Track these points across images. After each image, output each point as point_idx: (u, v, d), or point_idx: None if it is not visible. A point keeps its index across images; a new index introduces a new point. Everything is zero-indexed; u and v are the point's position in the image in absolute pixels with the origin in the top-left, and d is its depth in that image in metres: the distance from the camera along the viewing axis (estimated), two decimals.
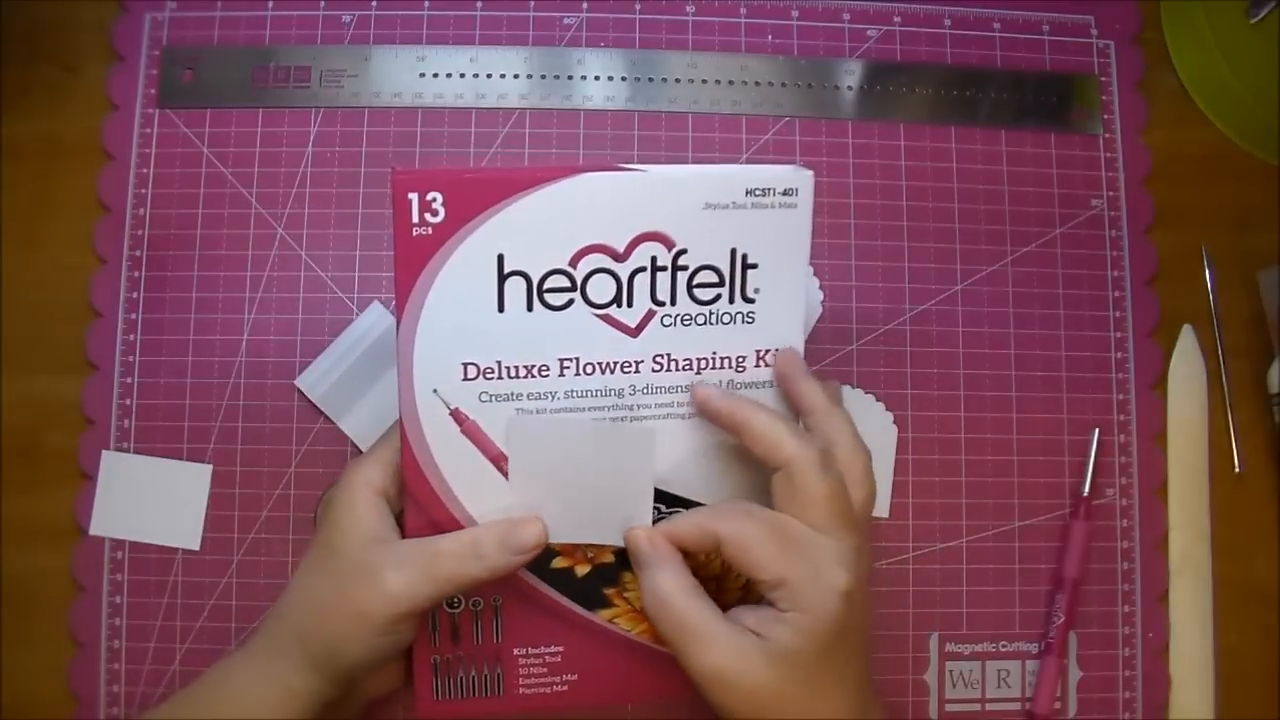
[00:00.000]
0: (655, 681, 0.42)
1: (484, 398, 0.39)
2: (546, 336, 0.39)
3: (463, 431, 0.39)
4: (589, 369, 0.39)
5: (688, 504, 0.40)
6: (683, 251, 0.39)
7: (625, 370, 0.39)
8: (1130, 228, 0.52)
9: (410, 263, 0.37)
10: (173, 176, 0.50)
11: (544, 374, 0.39)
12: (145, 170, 0.50)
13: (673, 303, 0.39)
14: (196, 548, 0.48)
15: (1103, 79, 0.53)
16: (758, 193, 0.39)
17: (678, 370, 0.40)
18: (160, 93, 0.50)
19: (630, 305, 0.39)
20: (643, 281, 0.39)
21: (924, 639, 0.49)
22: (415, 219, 0.37)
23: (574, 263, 0.38)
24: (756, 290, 0.39)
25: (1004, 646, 0.49)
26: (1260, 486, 0.51)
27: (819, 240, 0.50)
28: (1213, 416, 0.51)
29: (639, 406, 0.40)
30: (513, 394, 0.39)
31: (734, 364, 0.40)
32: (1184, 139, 0.53)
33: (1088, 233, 0.52)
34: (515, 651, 0.41)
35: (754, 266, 0.39)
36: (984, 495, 0.50)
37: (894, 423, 0.50)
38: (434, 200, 0.37)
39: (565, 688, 0.41)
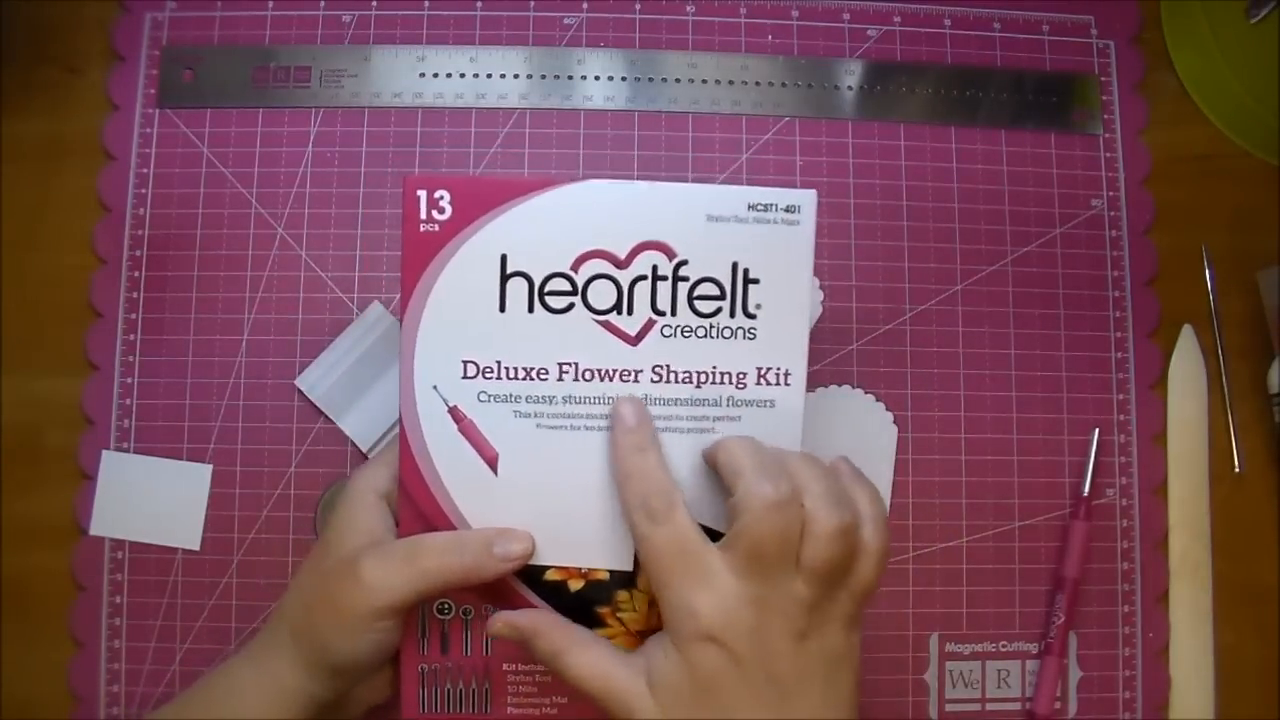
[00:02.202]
0: None
1: (482, 397, 0.39)
2: (546, 339, 0.39)
3: (460, 430, 0.39)
4: (588, 375, 0.39)
5: None
6: (684, 262, 0.39)
7: (624, 379, 0.39)
8: (1130, 228, 0.52)
9: (416, 258, 0.38)
10: (173, 176, 0.50)
11: (543, 377, 0.39)
12: (145, 170, 0.50)
13: (673, 313, 0.39)
14: (196, 548, 0.48)
15: (1103, 79, 0.53)
16: (760, 207, 0.39)
17: (677, 383, 0.39)
18: (160, 93, 0.50)
19: (630, 313, 0.39)
20: (643, 290, 0.39)
21: (924, 639, 0.49)
22: (423, 215, 0.38)
23: (575, 267, 0.39)
24: (758, 306, 0.39)
25: (1004, 646, 0.49)
26: (1260, 486, 0.51)
27: (820, 240, 0.50)
28: (1213, 416, 0.51)
29: None
30: (511, 395, 0.39)
31: (734, 380, 0.39)
32: (1184, 139, 0.53)
33: (1088, 233, 0.52)
34: (505, 667, 0.41)
35: (755, 282, 0.39)
36: (984, 495, 0.50)
37: (894, 423, 0.50)
38: (441, 198, 0.38)
39: (554, 710, 0.41)
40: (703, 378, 0.39)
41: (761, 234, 0.39)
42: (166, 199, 0.49)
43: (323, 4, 0.51)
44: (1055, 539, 0.50)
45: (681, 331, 0.39)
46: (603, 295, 0.39)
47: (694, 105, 0.51)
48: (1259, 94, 0.51)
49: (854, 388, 0.50)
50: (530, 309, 0.39)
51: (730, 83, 0.51)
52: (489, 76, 0.51)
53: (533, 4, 0.52)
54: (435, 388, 0.39)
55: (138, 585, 0.47)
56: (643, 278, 0.39)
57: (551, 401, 0.39)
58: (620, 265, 0.39)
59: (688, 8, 0.52)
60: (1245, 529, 0.51)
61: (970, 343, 0.51)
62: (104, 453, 0.48)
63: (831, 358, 0.50)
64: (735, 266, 0.39)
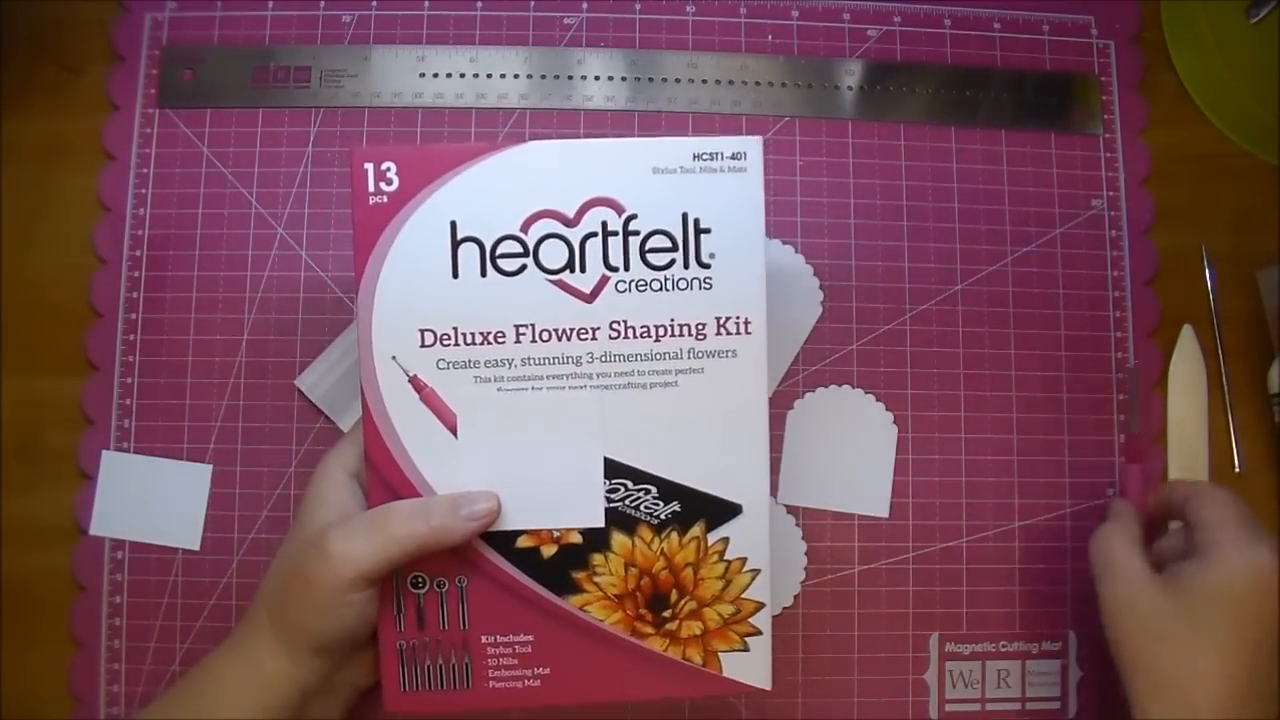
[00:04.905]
0: (631, 680, 0.41)
1: (441, 365, 0.39)
2: (501, 303, 0.39)
3: (421, 399, 0.39)
4: (545, 336, 0.40)
5: (647, 477, 0.40)
6: (633, 216, 0.40)
7: (582, 337, 0.40)
8: (1130, 228, 0.52)
9: (367, 230, 0.39)
10: (173, 176, 0.50)
11: (500, 341, 0.39)
12: (145, 170, 0.50)
13: (626, 268, 0.40)
14: (196, 548, 0.48)
15: (1103, 79, 0.53)
16: (705, 157, 0.40)
17: (636, 338, 0.40)
18: (160, 93, 0.50)
19: (583, 271, 0.40)
20: (594, 246, 0.40)
21: (924, 639, 0.49)
22: (371, 188, 0.39)
23: (525, 228, 0.39)
24: (712, 255, 0.40)
25: (1004, 646, 0.49)
26: (1260, 486, 0.51)
27: (820, 240, 0.51)
28: (1213, 416, 0.51)
29: (598, 375, 0.40)
30: (470, 361, 0.39)
31: (694, 331, 0.40)
32: (1184, 139, 0.53)
33: (1088, 233, 0.52)
34: (483, 639, 0.40)
35: (707, 231, 0.40)
36: (984, 495, 0.50)
37: (894, 423, 0.50)
38: (388, 170, 0.39)
39: (537, 682, 0.40)
40: (661, 331, 0.40)
41: (709, 183, 0.40)
42: (166, 199, 0.49)
43: (323, 4, 0.51)
44: (1055, 539, 0.50)
45: (636, 286, 0.40)
46: (554, 254, 0.40)
47: (694, 105, 0.51)
48: (1259, 94, 0.51)
49: (854, 388, 0.50)
50: (483, 273, 0.39)
51: (730, 83, 0.51)
52: (489, 76, 0.51)
53: (533, 4, 0.52)
54: (394, 358, 0.39)
55: (138, 585, 0.47)
56: (593, 234, 0.40)
57: (510, 364, 0.40)
58: (569, 223, 0.40)
59: (688, 8, 0.52)
60: None
61: (970, 343, 0.51)
62: (104, 453, 0.48)
63: (831, 358, 0.50)
64: (685, 217, 0.40)
